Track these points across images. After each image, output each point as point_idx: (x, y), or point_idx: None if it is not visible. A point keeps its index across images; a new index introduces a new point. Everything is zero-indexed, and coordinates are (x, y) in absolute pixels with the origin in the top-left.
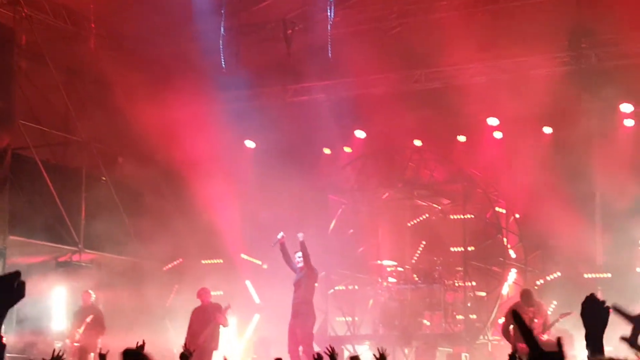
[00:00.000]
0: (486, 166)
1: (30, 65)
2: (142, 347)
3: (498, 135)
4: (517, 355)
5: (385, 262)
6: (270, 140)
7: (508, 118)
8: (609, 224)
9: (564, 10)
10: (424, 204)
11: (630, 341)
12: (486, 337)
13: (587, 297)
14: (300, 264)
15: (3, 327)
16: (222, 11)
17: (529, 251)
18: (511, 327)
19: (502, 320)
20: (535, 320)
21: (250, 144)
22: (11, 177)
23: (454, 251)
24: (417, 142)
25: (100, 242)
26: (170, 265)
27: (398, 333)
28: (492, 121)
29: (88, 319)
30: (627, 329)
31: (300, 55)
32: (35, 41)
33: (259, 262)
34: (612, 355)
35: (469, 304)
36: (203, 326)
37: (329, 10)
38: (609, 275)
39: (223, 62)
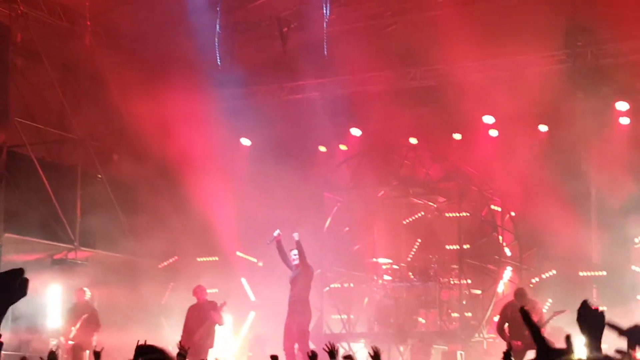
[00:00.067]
0: (482, 164)
1: (25, 62)
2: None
3: (494, 133)
4: (511, 353)
5: (381, 260)
6: (266, 137)
7: (504, 116)
8: (605, 221)
9: (559, 8)
10: (419, 202)
11: (627, 353)
12: (481, 335)
13: (581, 305)
14: (296, 262)
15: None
16: (218, 9)
17: (524, 249)
18: (506, 325)
19: (497, 318)
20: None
21: (245, 141)
22: (6, 174)
23: (450, 249)
24: (413, 140)
25: (96, 240)
26: (165, 263)
27: (393, 331)
28: (488, 119)
29: (82, 319)
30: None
31: (295, 53)
32: (31, 38)
33: (255, 260)
34: (608, 353)
35: (464, 302)
36: (199, 324)
37: (324, 8)
38: (604, 273)
39: (218, 60)
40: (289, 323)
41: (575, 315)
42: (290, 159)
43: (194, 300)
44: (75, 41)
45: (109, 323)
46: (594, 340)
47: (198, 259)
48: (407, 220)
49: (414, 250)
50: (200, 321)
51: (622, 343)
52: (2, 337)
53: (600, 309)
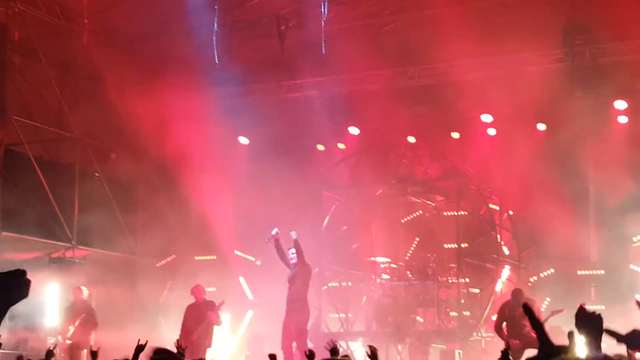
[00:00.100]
0: (480, 163)
1: (23, 60)
2: (143, 346)
3: (492, 132)
4: (509, 352)
5: (379, 259)
6: (264, 136)
7: (502, 115)
8: (603, 220)
9: (558, 7)
10: (417, 200)
11: (628, 355)
12: (479, 334)
13: (578, 310)
14: (294, 261)
15: None
16: (216, 7)
17: (523, 248)
18: (504, 323)
19: (495, 317)
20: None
21: (244, 140)
22: (4, 173)
23: (448, 248)
24: (411, 139)
25: (94, 238)
26: (163, 262)
27: (391, 330)
28: (486, 118)
29: (80, 318)
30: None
31: (293, 52)
32: (28, 37)
33: (253, 259)
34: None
35: (462, 301)
36: (197, 323)
37: (322, 7)
38: (603, 272)
39: (216, 58)
40: (287, 322)
41: (573, 314)
42: (289, 157)
43: (192, 299)
44: (73, 39)
45: (107, 322)
46: (594, 340)
47: (196, 258)
48: (406, 219)
49: (412, 249)
50: (198, 321)
51: (622, 349)
52: (0, 337)
53: (598, 310)
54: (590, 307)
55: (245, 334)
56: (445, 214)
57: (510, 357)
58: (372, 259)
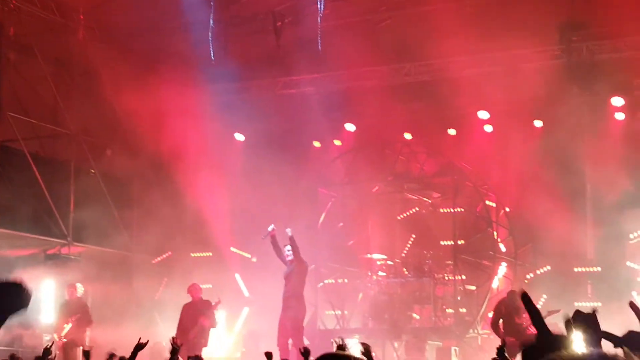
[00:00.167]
0: (476, 160)
1: (18, 57)
2: (143, 345)
3: (488, 128)
4: (505, 349)
5: (375, 256)
6: (260, 132)
7: (499, 111)
8: (600, 217)
9: (555, 4)
10: (414, 197)
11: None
12: (476, 331)
13: (574, 314)
14: (290, 257)
15: None
16: (212, 3)
17: (519, 245)
18: (500, 320)
19: (491, 314)
20: (524, 315)
21: (239, 137)
22: (0, 169)
23: (444, 245)
24: (408, 136)
25: (89, 235)
26: (159, 258)
27: (387, 327)
28: (483, 114)
29: (74, 317)
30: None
31: (289, 48)
32: (24, 33)
33: (248, 256)
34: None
35: (458, 298)
36: (193, 322)
37: (318, 3)
38: (599, 269)
39: (212, 54)
40: (283, 318)
41: (570, 312)
42: (285, 154)
43: (187, 296)
44: (68, 36)
45: (103, 318)
46: (593, 338)
47: (192, 255)
48: (402, 216)
49: (409, 245)
50: (194, 320)
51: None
52: None
53: (592, 308)
54: (585, 305)
55: (241, 331)
56: (441, 210)
57: (506, 354)
58: (368, 255)
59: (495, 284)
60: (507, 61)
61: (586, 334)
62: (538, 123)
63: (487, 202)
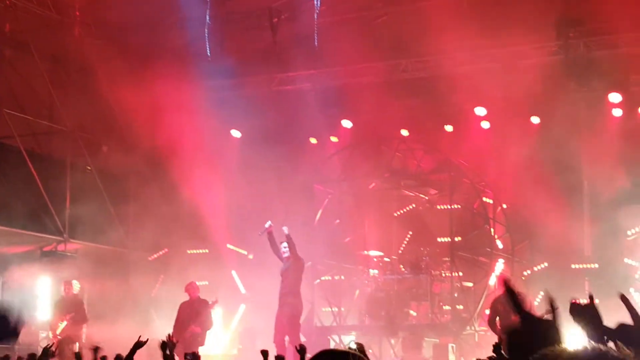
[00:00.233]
0: (473, 156)
1: (14, 53)
2: (143, 343)
3: (485, 125)
4: (502, 346)
5: (372, 253)
6: (256, 129)
7: (495, 108)
8: (597, 214)
9: (552, 0)
10: (410, 194)
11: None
12: (473, 328)
13: (570, 306)
14: (287, 254)
15: None
16: None
17: (516, 241)
18: (497, 318)
19: (488, 311)
20: None
21: (236, 133)
22: None
23: (441, 241)
24: (404, 132)
25: (85, 232)
26: (155, 255)
27: (384, 323)
28: (480, 111)
29: (69, 316)
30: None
31: (286, 44)
32: (20, 29)
33: (245, 252)
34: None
35: (455, 295)
36: (190, 321)
37: None
38: (597, 265)
39: (208, 51)
40: (280, 315)
41: (566, 308)
42: (281, 150)
43: (183, 293)
44: (64, 32)
45: (99, 315)
46: (595, 330)
47: (188, 252)
48: (399, 213)
49: (405, 242)
50: (191, 318)
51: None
52: None
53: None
54: (581, 300)
55: (237, 328)
56: (438, 207)
57: (503, 352)
58: (365, 252)
59: (492, 280)
60: (504, 57)
61: (587, 328)
62: (535, 119)
63: (484, 199)
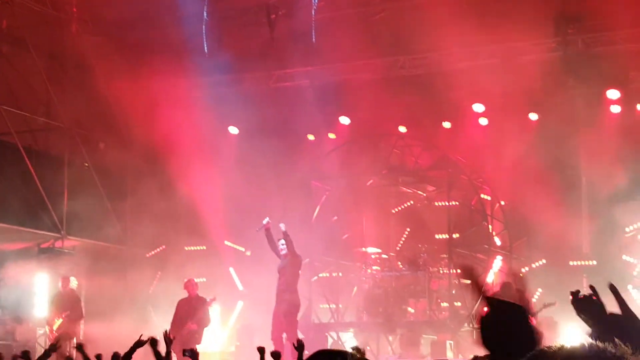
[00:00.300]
0: (471, 153)
1: (11, 49)
2: (143, 342)
3: (483, 121)
4: None
5: (370, 249)
6: (254, 125)
7: (494, 104)
8: (595, 210)
9: None
10: (408, 190)
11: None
12: (471, 325)
13: (573, 298)
14: (284, 251)
15: None
16: None
17: (514, 238)
18: None
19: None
20: None
21: (233, 130)
22: None
23: (439, 238)
24: (402, 129)
25: (83, 229)
26: (153, 252)
27: (382, 320)
28: (478, 107)
29: (65, 314)
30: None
31: (283, 41)
32: (17, 26)
33: (243, 249)
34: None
35: (453, 292)
36: (188, 318)
37: None
38: (595, 262)
39: (206, 47)
40: (277, 312)
41: (564, 305)
42: (279, 147)
43: (181, 290)
44: (61, 28)
45: (97, 312)
46: (598, 324)
47: (186, 248)
48: (396, 209)
49: (403, 239)
50: (189, 315)
51: None
52: None
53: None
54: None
55: (235, 324)
56: (436, 204)
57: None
58: (363, 249)
59: (491, 277)
60: (502, 54)
61: (592, 320)
62: (533, 116)
63: (482, 196)
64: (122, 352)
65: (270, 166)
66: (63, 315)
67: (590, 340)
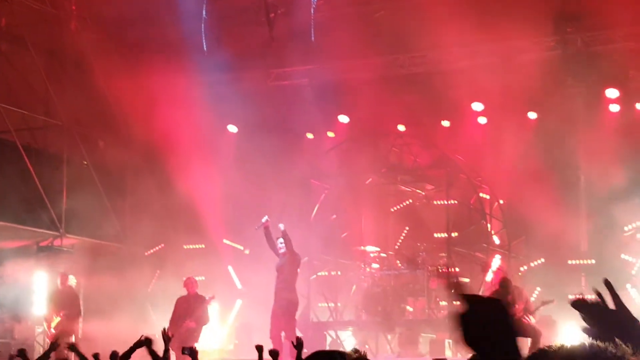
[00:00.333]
0: (470, 151)
1: (10, 47)
2: (144, 342)
3: (482, 120)
4: None
5: (368, 248)
6: (253, 124)
7: (493, 103)
8: (594, 209)
9: None
10: (407, 189)
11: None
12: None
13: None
14: (283, 250)
15: None
16: None
17: (513, 237)
18: None
19: None
20: (517, 306)
21: (232, 128)
22: None
23: (438, 237)
24: (401, 127)
25: (82, 227)
26: (152, 250)
27: (381, 319)
28: (477, 106)
29: (63, 312)
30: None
31: (282, 39)
32: (16, 23)
33: (241, 248)
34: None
35: (452, 290)
36: (186, 316)
37: None
38: (593, 261)
39: (205, 45)
40: (276, 311)
41: (562, 304)
42: (278, 146)
43: (180, 288)
44: (60, 26)
45: (95, 310)
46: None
47: (184, 247)
48: (395, 208)
49: (402, 238)
50: (187, 313)
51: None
52: None
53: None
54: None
55: (233, 323)
56: (435, 202)
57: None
58: (362, 248)
59: (489, 276)
60: (501, 53)
61: (598, 325)
62: (532, 115)
63: (481, 194)
64: (120, 351)
65: (269, 165)
66: (61, 314)
67: (586, 336)
